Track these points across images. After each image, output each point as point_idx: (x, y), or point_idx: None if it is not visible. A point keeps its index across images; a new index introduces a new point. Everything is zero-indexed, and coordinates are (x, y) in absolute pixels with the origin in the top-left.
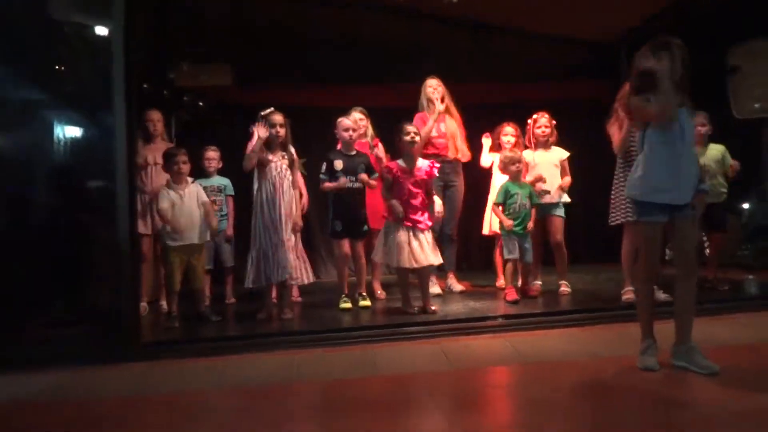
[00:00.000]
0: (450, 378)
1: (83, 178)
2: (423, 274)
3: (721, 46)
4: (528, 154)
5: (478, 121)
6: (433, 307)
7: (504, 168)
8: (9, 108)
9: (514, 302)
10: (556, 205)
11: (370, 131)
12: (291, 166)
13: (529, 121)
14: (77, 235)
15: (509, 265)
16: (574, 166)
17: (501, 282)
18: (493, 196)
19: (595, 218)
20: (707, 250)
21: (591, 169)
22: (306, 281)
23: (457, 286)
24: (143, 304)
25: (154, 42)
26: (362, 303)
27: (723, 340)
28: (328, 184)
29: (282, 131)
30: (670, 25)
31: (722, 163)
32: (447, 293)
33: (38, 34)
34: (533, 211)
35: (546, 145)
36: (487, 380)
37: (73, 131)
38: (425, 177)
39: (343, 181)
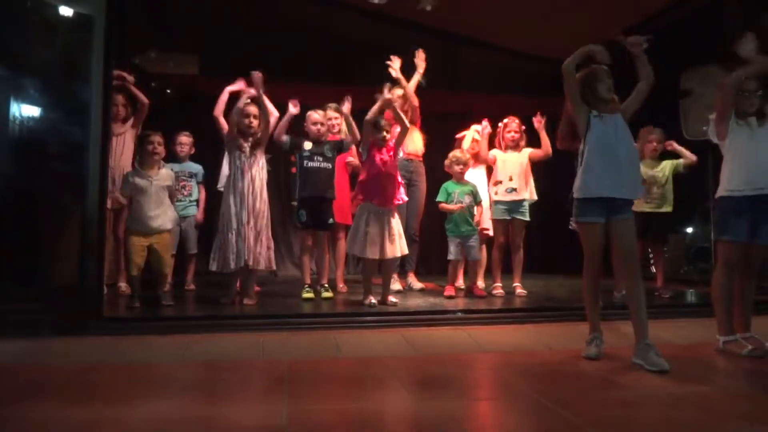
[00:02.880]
0: (413, 362)
1: (50, 150)
2: (387, 265)
3: (677, 69)
4: (499, 154)
5: (442, 128)
6: (393, 300)
7: (449, 167)
8: None
9: (450, 297)
10: (519, 205)
11: (344, 129)
12: (257, 145)
13: (500, 124)
14: (44, 208)
15: (450, 266)
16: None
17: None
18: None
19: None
20: (652, 267)
21: (548, 184)
22: (271, 267)
23: (417, 284)
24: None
25: (123, 25)
26: (324, 294)
27: (667, 339)
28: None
29: (255, 123)
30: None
31: (670, 175)
32: (407, 291)
33: (19, 9)
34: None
35: (516, 149)
36: (449, 364)
37: (41, 104)
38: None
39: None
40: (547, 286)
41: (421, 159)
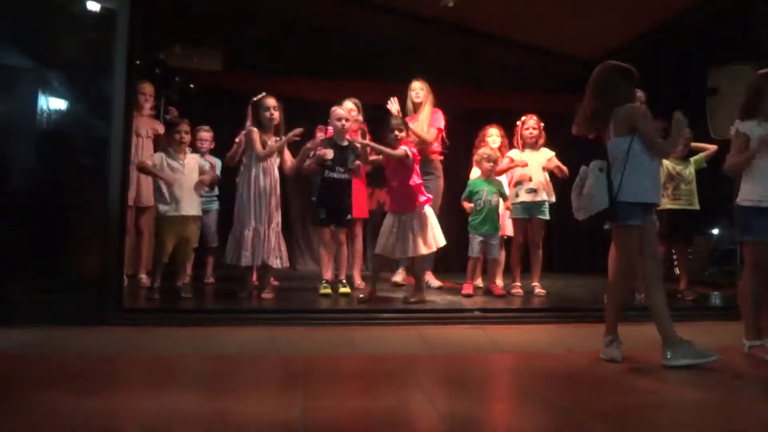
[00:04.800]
0: (428, 360)
1: (75, 143)
2: (412, 263)
3: (704, 67)
4: (516, 154)
5: (462, 124)
6: (412, 299)
7: (478, 163)
8: (9, 73)
9: (468, 296)
10: (540, 205)
11: (360, 120)
12: (281, 150)
13: (518, 123)
14: (68, 199)
15: (470, 263)
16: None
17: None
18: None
19: (568, 229)
20: (676, 268)
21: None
22: (284, 265)
23: (435, 282)
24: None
25: (148, 20)
26: (342, 290)
27: None
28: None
29: (276, 114)
30: (655, 45)
31: (695, 172)
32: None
33: (45, 3)
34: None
35: (534, 147)
36: (464, 364)
37: (67, 98)
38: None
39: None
40: (566, 286)
41: (432, 157)
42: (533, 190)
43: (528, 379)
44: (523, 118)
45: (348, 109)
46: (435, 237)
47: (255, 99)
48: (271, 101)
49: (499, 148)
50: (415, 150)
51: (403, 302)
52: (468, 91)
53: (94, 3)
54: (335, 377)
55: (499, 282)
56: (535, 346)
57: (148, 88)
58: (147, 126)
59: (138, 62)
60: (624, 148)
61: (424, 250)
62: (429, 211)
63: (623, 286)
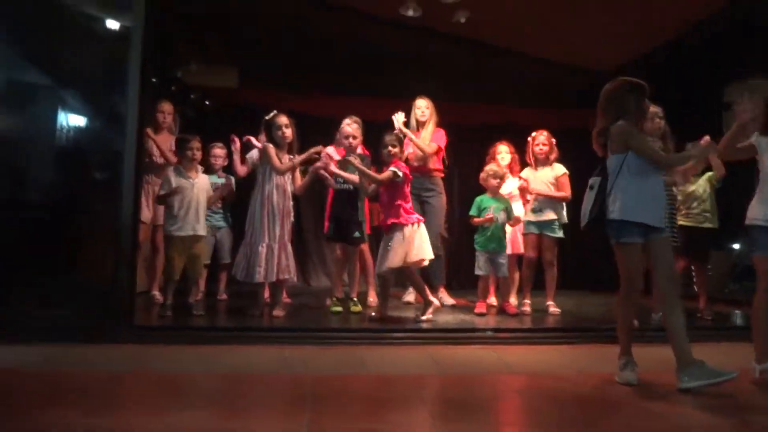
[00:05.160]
0: (437, 381)
1: (88, 159)
2: (406, 274)
3: (719, 81)
4: (528, 173)
5: (474, 141)
6: (422, 317)
7: (485, 180)
8: (26, 91)
9: (480, 314)
10: (550, 223)
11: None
12: (295, 168)
13: (528, 139)
14: (80, 215)
15: (480, 281)
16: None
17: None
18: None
19: (582, 245)
20: (695, 285)
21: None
22: (294, 282)
23: (449, 300)
24: None
25: (165, 38)
26: (353, 308)
27: None
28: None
29: (288, 132)
30: (667, 59)
31: (710, 190)
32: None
33: (60, 21)
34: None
35: (546, 163)
36: (474, 385)
37: (81, 114)
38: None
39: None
40: (580, 305)
41: (434, 174)
42: (538, 210)
43: (538, 402)
44: (533, 134)
45: (356, 128)
46: (420, 250)
47: (267, 117)
48: (283, 119)
49: (510, 165)
50: (406, 169)
51: (414, 321)
52: (479, 106)
53: (110, 20)
54: (343, 398)
55: (513, 300)
56: (547, 368)
57: (166, 107)
58: (165, 143)
59: (154, 80)
60: (616, 166)
61: (396, 264)
62: (422, 228)
63: (626, 305)
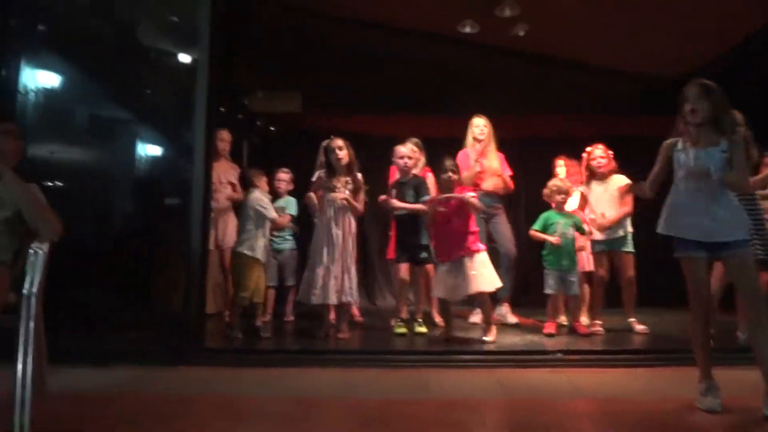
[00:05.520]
0: (503, 406)
1: (162, 189)
2: (479, 300)
3: None
4: (586, 188)
5: (536, 154)
6: (486, 338)
7: (549, 196)
8: (102, 125)
9: (549, 335)
10: (623, 239)
11: (422, 162)
12: (356, 191)
13: (583, 154)
14: (154, 243)
15: (549, 300)
16: None
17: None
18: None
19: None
20: None
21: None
22: (354, 303)
23: (512, 318)
24: None
25: (231, 69)
26: (418, 329)
27: None
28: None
29: (342, 154)
30: (736, 63)
31: None
32: (510, 325)
33: (132, 59)
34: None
35: (604, 177)
36: (541, 411)
37: (154, 146)
38: (454, 208)
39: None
40: (659, 323)
41: (499, 193)
42: (608, 228)
43: (611, 429)
44: (588, 149)
45: (411, 148)
46: (493, 277)
47: (324, 144)
48: (338, 142)
49: (569, 176)
50: (475, 195)
51: (481, 343)
52: (540, 119)
53: (179, 55)
54: (407, 423)
55: (584, 320)
56: (621, 392)
57: (225, 135)
58: (226, 171)
59: (222, 109)
60: None
61: (483, 287)
62: (484, 256)
63: (696, 323)
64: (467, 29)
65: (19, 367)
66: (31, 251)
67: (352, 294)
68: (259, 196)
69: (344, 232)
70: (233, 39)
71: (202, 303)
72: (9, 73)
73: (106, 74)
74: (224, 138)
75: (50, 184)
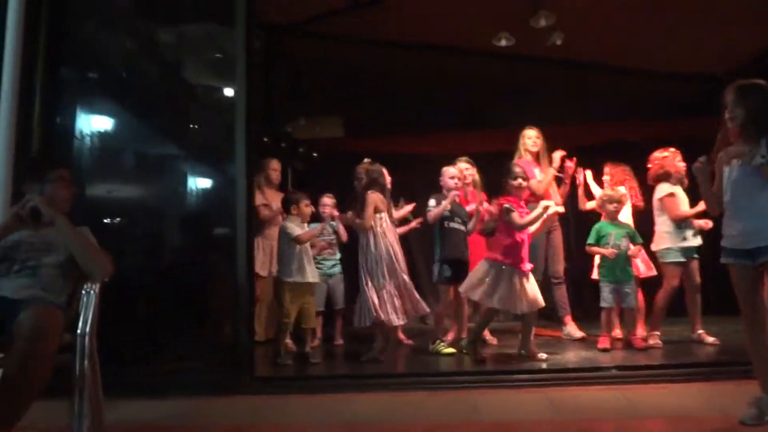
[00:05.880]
0: (553, 428)
1: (209, 222)
2: (528, 318)
3: None
4: (678, 191)
5: (583, 162)
6: (542, 355)
7: (601, 206)
8: (151, 163)
9: (604, 350)
10: (698, 246)
11: (477, 178)
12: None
13: (666, 153)
14: (203, 274)
15: (603, 314)
16: None
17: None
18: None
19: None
20: None
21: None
22: (403, 321)
23: (577, 333)
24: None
25: (273, 99)
26: (465, 350)
27: None
28: (435, 212)
29: (389, 180)
30: None
31: None
32: (565, 340)
33: (177, 97)
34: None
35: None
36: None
37: (201, 180)
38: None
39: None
40: (721, 333)
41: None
42: (699, 233)
43: None
44: (671, 149)
45: (461, 169)
46: (539, 297)
47: (371, 167)
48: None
49: (615, 184)
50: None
51: (531, 360)
52: (585, 126)
53: (217, 92)
54: None
55: (641, 332)
56: (682, 410)
57: (275, 164)
58: (276, 199)
59: (265, 139)
60: None
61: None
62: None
63: (748, 333)
64: (503, 42)
65: (76, 403)
66: (83, 292)
67: (399, 313)
68: (285, 223)
69: (392, 252)
70: (274, 70)
71: (250, 332)
72: (64, 120)
73: (153, 114)
74: (275, 167)
75: (108, 221)
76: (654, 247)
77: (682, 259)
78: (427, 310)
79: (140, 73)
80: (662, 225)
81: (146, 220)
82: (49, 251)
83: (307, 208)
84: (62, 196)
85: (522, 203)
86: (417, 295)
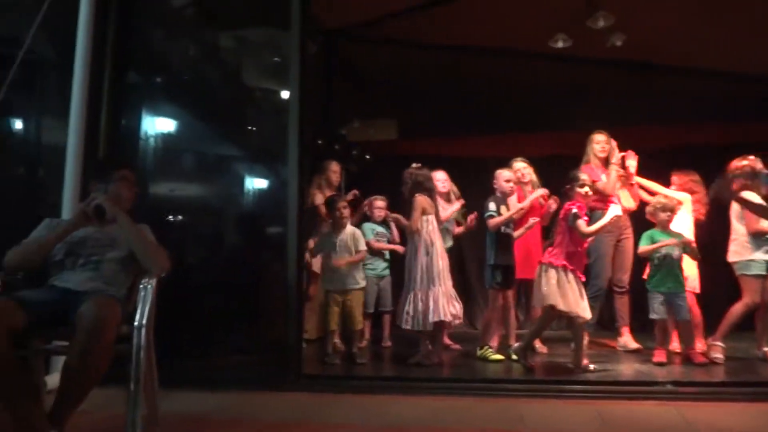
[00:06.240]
0: None
1: (263, 222)
2: (576, 327)
3: None
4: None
5: (644, 166)
6: (591, 366)
7: (653, 214)
8: (211, 163)
9: (659, 364)
10: None
11: (534, 178)
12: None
13: (745, 162)
14: (257, 273)
15: (657, 326)
16: None
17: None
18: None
19: None
20: None
21: None
22: (452, 325)
23: (633, 344)
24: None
25: (329, 102)
26: (514, 356)
27: None
28: (498, 220)
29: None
30: None
31: None
32: (620, 351)
33: (232, 98)
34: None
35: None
36: None
37: (256, 181)
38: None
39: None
40: None
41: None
42: None
43: None
44: (751, 157)
45: (517, 170)
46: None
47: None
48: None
49: (682, 191)
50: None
51: (579, 371)
52: (644, 130)
53: (273, 95)
54: None
55: (700, 347)
56: (742, 429)
57: (335, 166)
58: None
59: (320, 141)
60: None
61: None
62: None
63: None
64: (559, 44)
65: (131, 391)
66: (141, 286)
67: (443, 315)
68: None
69: (437, 254)
70: (332, 73)
71: (299, 330)
72: (129, 122)
73: (212, 116)
74: (335, 169)
75: (170, 218)
76: (733, 258)
77: (764, 273)
78: (442, 318)
79: (201, 76)
80: (742, 235)
81: (204, 219)
82: (112, 247)
83: (345, 210)
84: (125, 195)
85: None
86: (456, 302)
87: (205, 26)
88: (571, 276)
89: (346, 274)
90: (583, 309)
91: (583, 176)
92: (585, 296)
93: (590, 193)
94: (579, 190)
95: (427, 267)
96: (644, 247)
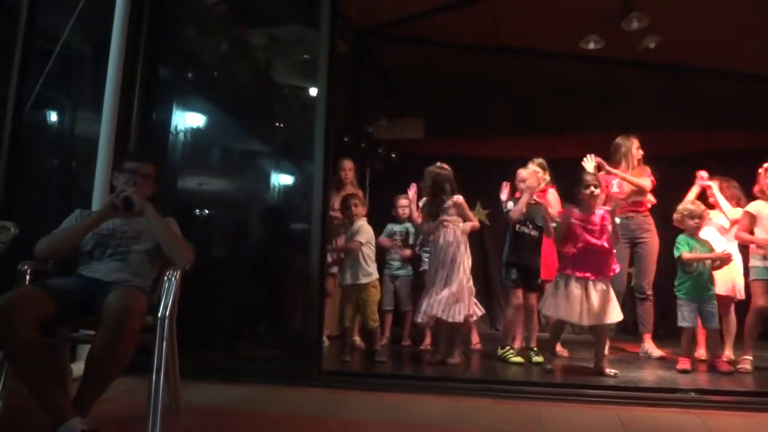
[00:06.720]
0: None
1: (288, 218)
2: (598, 332)
3: None
4: (759, 206)
5: (669, 173)
6: (611, 371)
7: (680, 221)
8: (239, 158)
9: (683, 371)
10: None
11: (545, 181)
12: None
13: (760, 170)
14: (281, 268)
15: (684, 333)
16: None
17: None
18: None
19: None
20: None
21: None
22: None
23: (656, 351)
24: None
25: (356, 100)
26: (535, 358)
27: None
28: (516, 209)
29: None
30: None
31: None
32: (643, 358)
33: (260, 95)
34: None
35: None
36: None
37: (282, 177)
38: (601, 225)
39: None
40: None
41: (644, 212)
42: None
43: None
44: (766, 165)
45: (534, 172)
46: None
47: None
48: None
49: (737, 200)
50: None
51: (599, 376)
52: (677, 134)
53: (301, 93)
54: None
55: (728, 355)
56: None
57: (347, 164)
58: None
59: (346, 139)
60: None
61: (615, 318)
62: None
63: None
64: (591, 45)
65: (153, 381)
66: (165, 278)
67: (454, 314)
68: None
69: (452, 252)
70: (361, 71)
71: (320, 326)
72: (160, 116)
73: (242, 112)
74: (346, 167)
75: (197, 212)
76: (754, 262)
77: (762, 278)
78: (479, 314)
79: (230, 72)
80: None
81: (230, 213)
82: (139, 239)
83: (357, 209)
84: (144, 191)
85: (580, 213)
86: (474, 301)
87: (235, 23)
88: (576, 283)
89: (358, 267)
90: (597, 316)
91: (588, 177)
92: (610, 301)
93: (596, 193)
94: (584, 191)
95: (442, 265)
96: (689, 254)
